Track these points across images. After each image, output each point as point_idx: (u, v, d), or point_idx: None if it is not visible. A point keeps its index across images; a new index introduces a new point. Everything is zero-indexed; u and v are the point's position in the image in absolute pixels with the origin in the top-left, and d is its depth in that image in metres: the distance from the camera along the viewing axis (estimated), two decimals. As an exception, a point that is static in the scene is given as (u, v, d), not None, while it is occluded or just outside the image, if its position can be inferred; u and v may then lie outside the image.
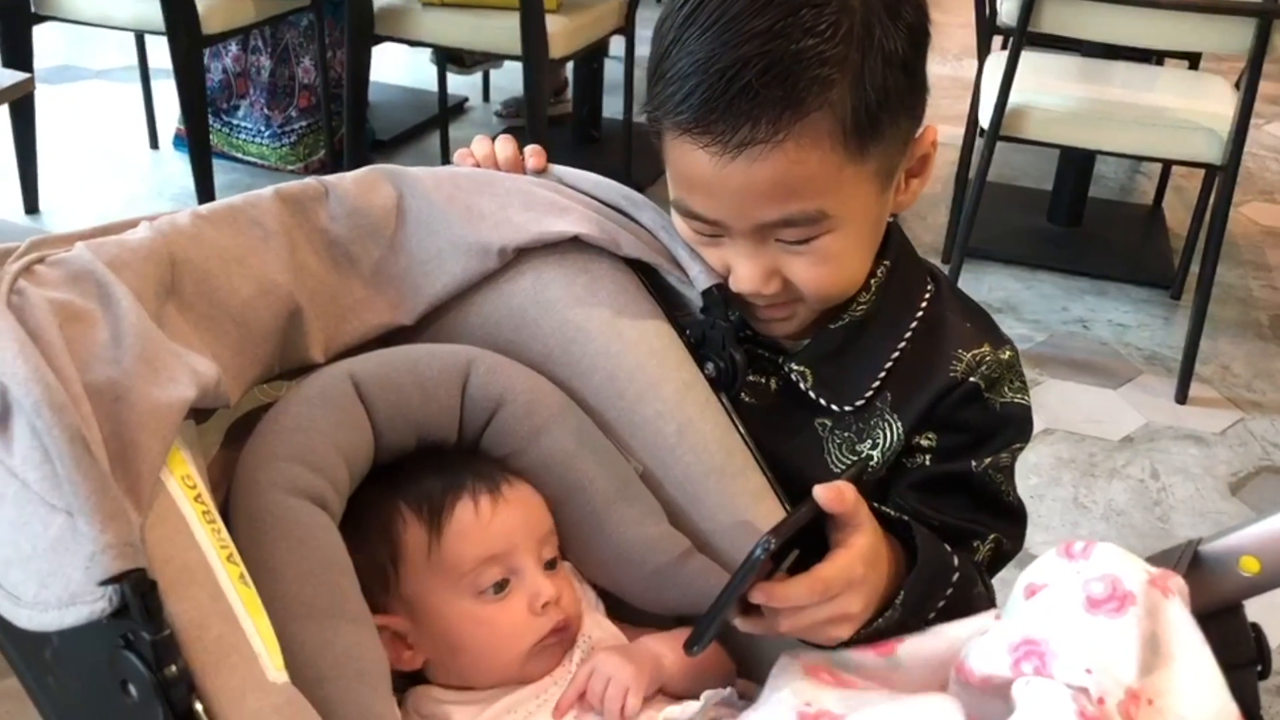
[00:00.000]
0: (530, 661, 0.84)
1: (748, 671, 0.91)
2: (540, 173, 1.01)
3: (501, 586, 0.84)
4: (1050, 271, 2.93)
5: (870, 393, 0.94)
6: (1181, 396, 2.47)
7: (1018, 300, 2.81)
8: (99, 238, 0.82)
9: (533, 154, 1.01)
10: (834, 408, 0.95)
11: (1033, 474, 2.21)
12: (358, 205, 0.94)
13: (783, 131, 0.81)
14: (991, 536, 0.94)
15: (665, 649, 0.86)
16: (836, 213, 0.86)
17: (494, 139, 1.03)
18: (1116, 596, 0.65)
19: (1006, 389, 0.94)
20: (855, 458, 0.95)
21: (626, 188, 0.99)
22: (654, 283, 0.97)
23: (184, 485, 0.72)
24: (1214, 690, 0.65)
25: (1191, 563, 0.74)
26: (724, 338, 0.94)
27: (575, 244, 0.94)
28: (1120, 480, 2.22)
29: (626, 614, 0.91)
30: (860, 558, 0.78)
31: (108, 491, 0.63)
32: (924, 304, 0.96)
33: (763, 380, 0.98)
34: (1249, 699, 0.72)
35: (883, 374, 0.94)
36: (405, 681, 0.87)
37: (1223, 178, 2.40)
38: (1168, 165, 3.17)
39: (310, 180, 0.95)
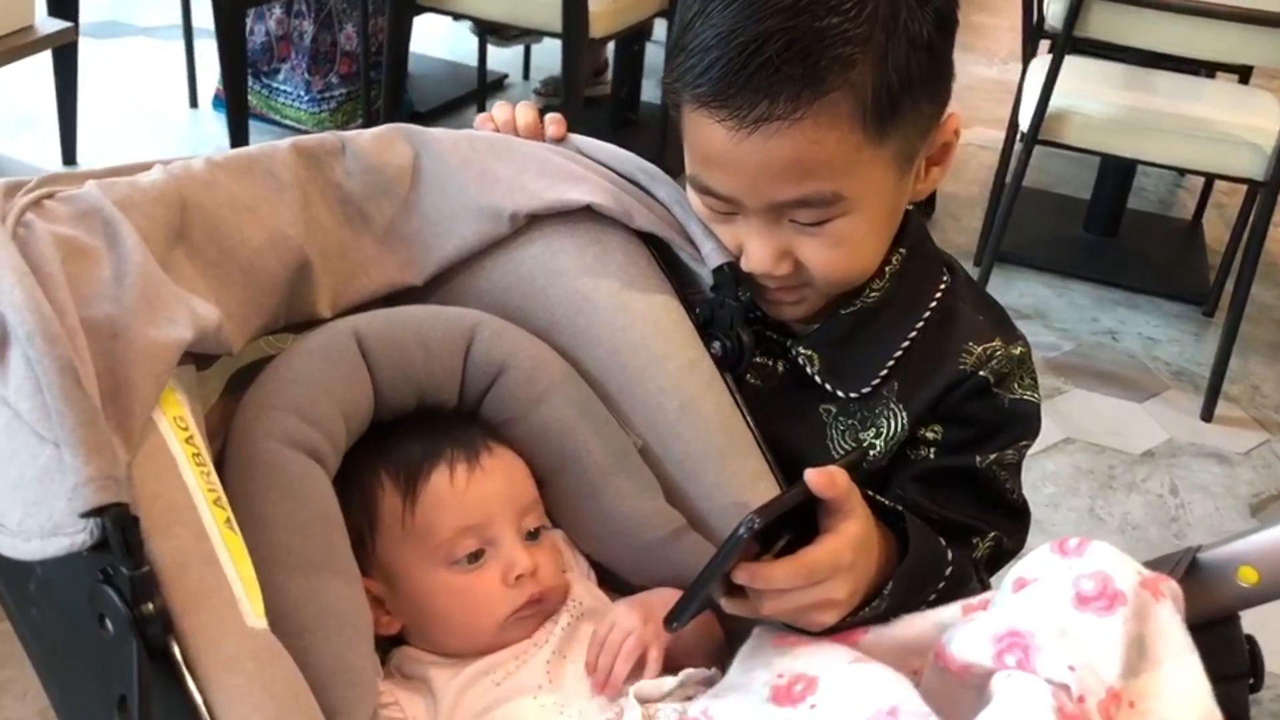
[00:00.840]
0: (504, 632, 0.83)
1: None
2: (559, 141, 1.00)
3: (476, 557, 0.84)
4: (1083, 281, 2.89)
5: (877, 380, 0.92)
6: (1208, 414, 2.44)
7: (1048, 308, 2.78)
8: (111, 178, 0.83)
9: (552, 122, 1.00)
10: (839, 394, 0.93)
11: (1050, 483, 2.19)
12: (373, 163, 0.94)
13: (801, 109, 0.80)
14: (992, 534, 0.92)
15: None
16: (852, 195, 0.85)
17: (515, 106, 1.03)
18: (1106, 595, 0.64)
19: (1016, 385, 0.93)
20: (858, 445, 0.94)
21: (644, 161, 0.99)
22: (666, 258, 0.96)
23: (176, 426, 0.72)
24: (1199, 698, 0.64)
25: (1189, 569, 0.73)
26: (732, 317, 0.93)
27: (588, 214, 0.94)
28: (1139, 494, 2.20)
29: (616, 585, 0.91)
30: (849, 544, 0.77)
31: (94, 424, 0.63)
32: (938, 294, 0.95)
33: (770, 363, 0.97)
34: (1238, 712, 0.71)
35: (891, 362, 0.92)
36: (391, 642, 0.87)
37: (1264, 194, 2.36)
38: (1210, 180, 3.12)
39: (328, 135, 0.95)
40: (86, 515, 0.61)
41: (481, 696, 0.80)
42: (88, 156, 3.00)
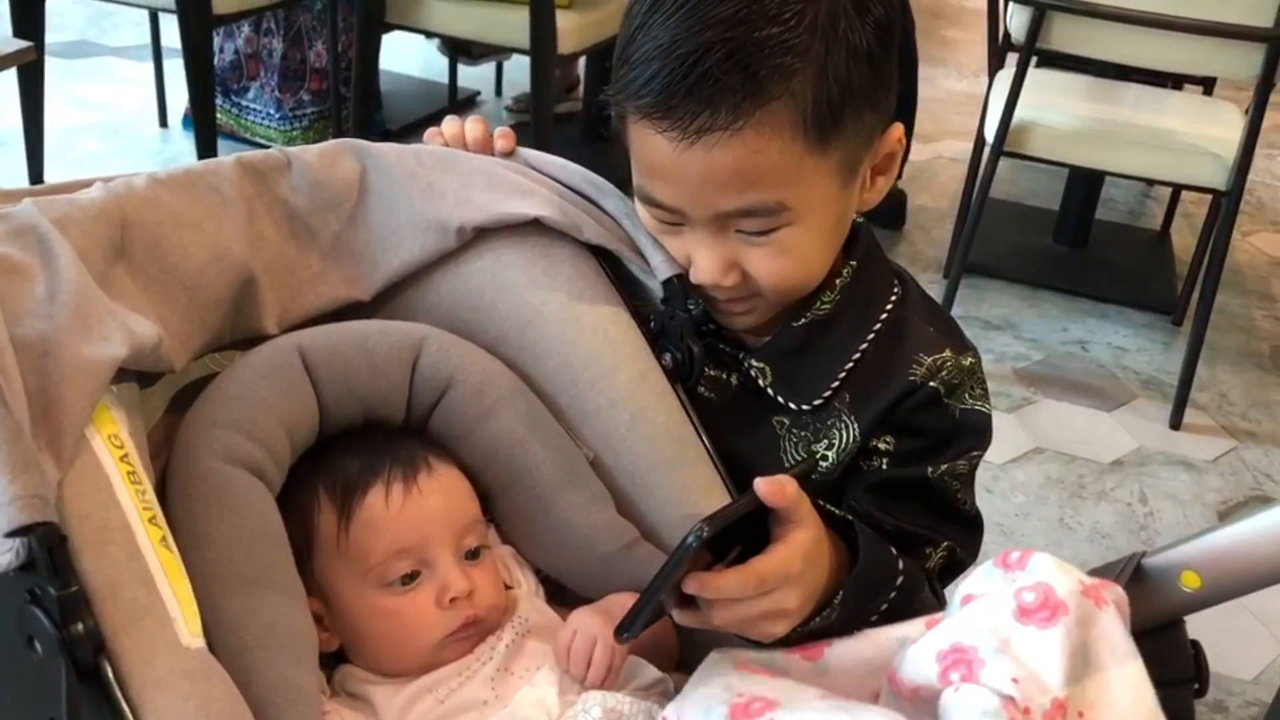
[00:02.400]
0: (438, 653, 0.82)
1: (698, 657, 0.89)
2: (508, 155, 1.00)
3: (411, 578, 0.82)
4: (1052, 291, 2.90)
5: (829, 393, 0.92)
6: (1176, 422, 2.45)
7: (1018, 319, 2.79)
8: (50, 195, 0.82)
9: (501, 136, 1.00)
10: (791, 406, 0.93)
11: (1020, 492, 2.19)
12: (319, 178, 0.94)
13: (742, 119, 0.80)
14: (945, 544, 0.92)
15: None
16: (796, 205, 0.85)
17: (465, 120, 1.03)
18: (1048, 606, 0.64)
19: (967, 395, 0.93)
20: (810, 456, 0.93)
21: (593, 174, 0.98)
22: (615, 271, 0.96)
23: (110, 444, 0.71)
24: (1144, 703, 0.63)
25: (1134, 575, 0.73)
26: (682, 329, 0.93)
27: (536, 227, 0.93)
28: (1108, 503, 2.20)
29: (568, 600, 0.90)
30: (799, 553, 0.76)
31: (19, 443, 0.62)
32: (889, 306, 0.95)
33: (722, 375, 0.97)
34: (1183, 716, 0.71)
35: (842, 374, 0.93)
36: (336, 659, 0.86)
37: (1227, 204, 2.37)
38: (1177, 191, 3.15)
39: (273, 150, 0.95)
40: (12, 535, 0.61)
41: (425, 714, 0.79)
42: (55, 175, 2.98)
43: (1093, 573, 0.75)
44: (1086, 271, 3.01)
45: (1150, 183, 3.01)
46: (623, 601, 0.83)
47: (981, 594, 0.69)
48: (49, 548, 0.61)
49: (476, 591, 0.83)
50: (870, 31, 0.82)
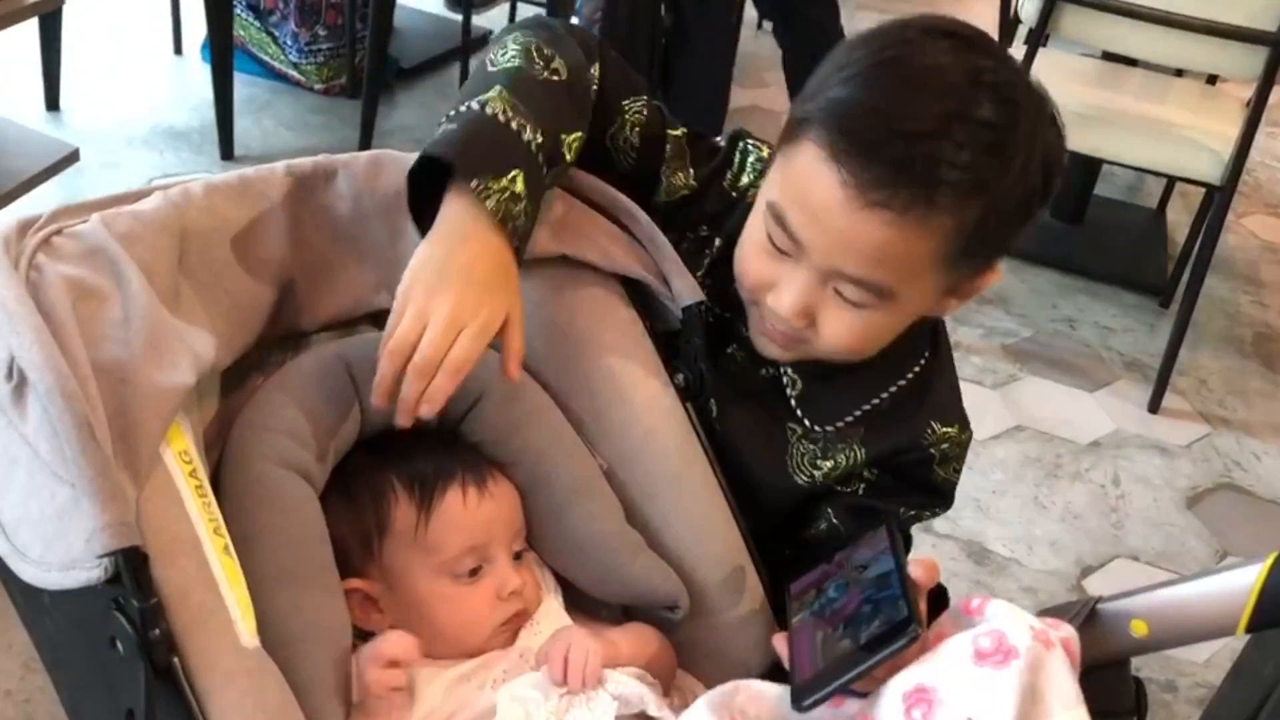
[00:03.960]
0: (491, 640, 0.92)
1: (692, 666, 0.98)
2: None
3: (475, 572, 0.92)
4: (1046, 267, 2.96)
5: (843, 424, 1.02)
6: (1154, 406, 2.53)
7: (1011, 293, 2.85)
8: (114, 208, 0.88)
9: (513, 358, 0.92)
10: (806, 423, 1.02)
11: (998, 469, 2.28)
12: (363, 188, 1.00)
13: (913, 213, 0.84)
14: None
15: (622, 637, 0.94)
16: (900, 297, 0.91)
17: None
18: (1001, 650, 0.72)
19: (952, 469, 1.05)
20: (815, 471, 1.03)
21: (624, 198, 1.04)
22: (636, 289, 1.03)
23: (180, 460, 0.78)
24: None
25: (1088, 618, 0.82)
26: (696, 353, 1.00)
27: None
28: (1082, 484, 2.29)
29: (576, 599, 0.99)
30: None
31: (108, 475, 0.70)
32: (917, 367, 1.03)
33: (753, 365, 1.03)
34: (1123, 746, 0.80)
35: (859, 412, 1.02)
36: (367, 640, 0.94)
37: (1220, 198, 2.43)
38: (1173, 174, 3.19)
39: (321, 158, 1.01)
40: (102, 556, 0.69)
41: (465, 699, 0.88)
42: (71, 102, 3.01)
43: (1050, 611, 0.84)
44: (1081, 248, 3.07)
45: (1144, 171, 3.05)
46: (612, 636, 0.93)
47: (946, 635, 0.78)
48: (134, 567, 0.69)
49: (526, 588, 0.93)
50: (1038, 199, 0.89)
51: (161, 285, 0.84)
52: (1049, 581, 2.03)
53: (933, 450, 1.03)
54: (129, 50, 3.39)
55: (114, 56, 3.33)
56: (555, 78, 0.95)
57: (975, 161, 0.84)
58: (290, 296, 0.97)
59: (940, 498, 1.06)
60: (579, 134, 0.97)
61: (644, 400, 0.99)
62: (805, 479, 1.04)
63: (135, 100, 3.12)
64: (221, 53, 2.83)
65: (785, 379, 1.02)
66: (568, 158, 0.96)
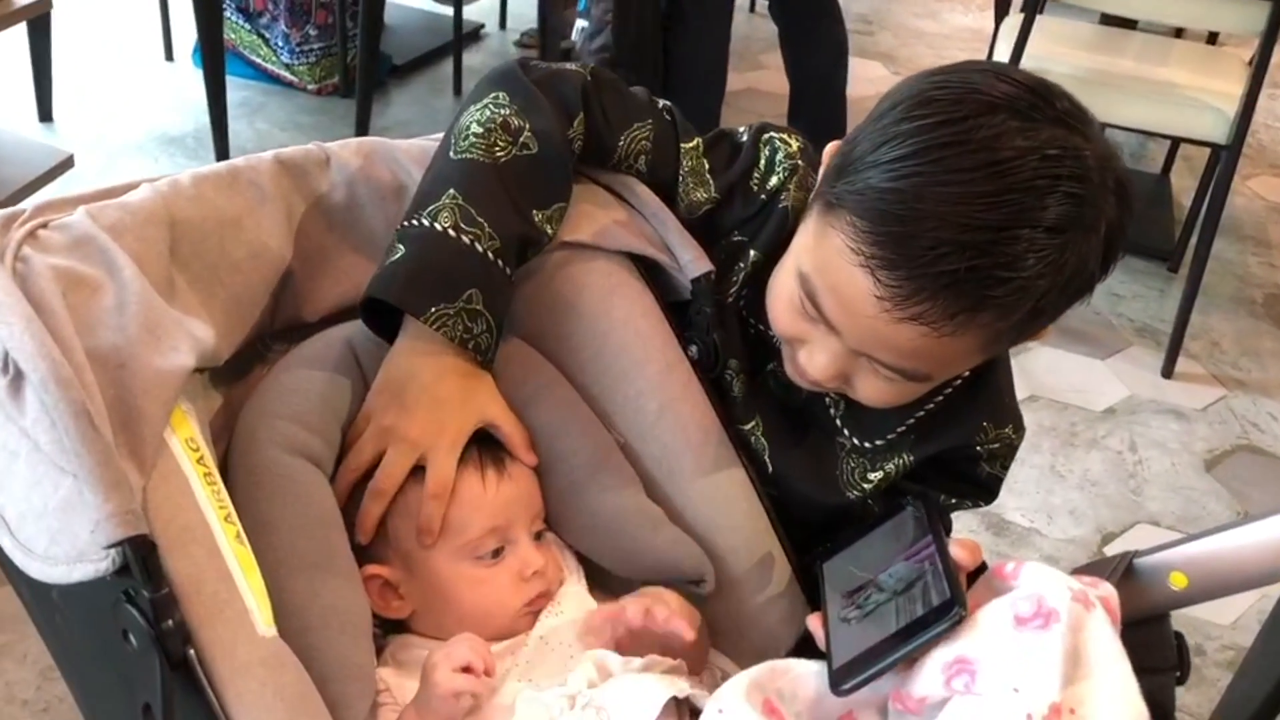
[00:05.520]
0: (515, 622, 0.90)
1: (720, 642, 0.96)
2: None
3: (497, 553, 0.90)
4: (1051, 236, 2.94)
5: (893, 435, 0.98)
6: (1168, 370, 2.51)
7: (1016, 264, 2.83)
8: (101, 200, 0.86)
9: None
10: (855, 441, 0.99)
11: (1014, 440, 2.26)
12: (357, 175, 0.98)
13: (951, 324, 0.78)
14: None
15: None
16: (939, 376, 0.88)
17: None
18: (1042, 614, 0.70)
19: (1000, 465, 1.00)
20: (865, 485, 0.99)
21: (624, 175, 1.01)
22: (645, 262, 1.01)
23: (187, 448, 0.76)
24: (1129, 700, 0.70)
25: (1125, 573, 0.80)
26: (708, 323, 0.98)
27: (570, 226, 0.98)
28: (1099, 451, 2.27)
29: (599, 579, 0.97)
30: None
31: (110, 462, 0.68)
32: (967, 371, 0.95)
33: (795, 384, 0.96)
34: (1165, 703, 0.78)
35: (912, 420, 0.97)
36: (386, 629, 0.92)
37: (1226, 157, 2.41)
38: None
39: (311, 146, 0.99)
40: (109, 547, 0.67)
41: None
42: (64, 112, 2.99)
43: (1086, 569, 0.81)
44: (1086, 216, 3.04)
45: (1148, 134, 3.03)
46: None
47: (981, 603, 0.75)
48: (142, 556, 0.67)
49: (548, 568, 0.91)
50: (1100, 275, 0.81)
51: (154, 276, 0.82)
52: (1070, 550, 2.01)
53: (980, 449, 0.98)
54: (120, 59, 3.37)
55: (105, 66, 3.32)
56: (524, 153, 0.91)
57: (1031, 272, 0.75)
58: (289, 287, 0.95)
59: (984, 492, 1.01)
60: (559, 204, 0.94)
61: (658, 373, 0.97)
62: (857, 494, 0.99)
63: (128, 108, 3.10)
64: (213, 57, 2.81)
65: (828, 399, 0.98)
66: (549, 232, 0.93)
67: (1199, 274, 2.49)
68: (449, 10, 3.52)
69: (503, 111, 0.93)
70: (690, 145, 1.00)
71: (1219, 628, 1.88)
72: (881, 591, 0.81)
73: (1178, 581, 0.78)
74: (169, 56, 3.37)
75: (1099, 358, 2.55)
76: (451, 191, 0.89)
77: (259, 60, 3.28)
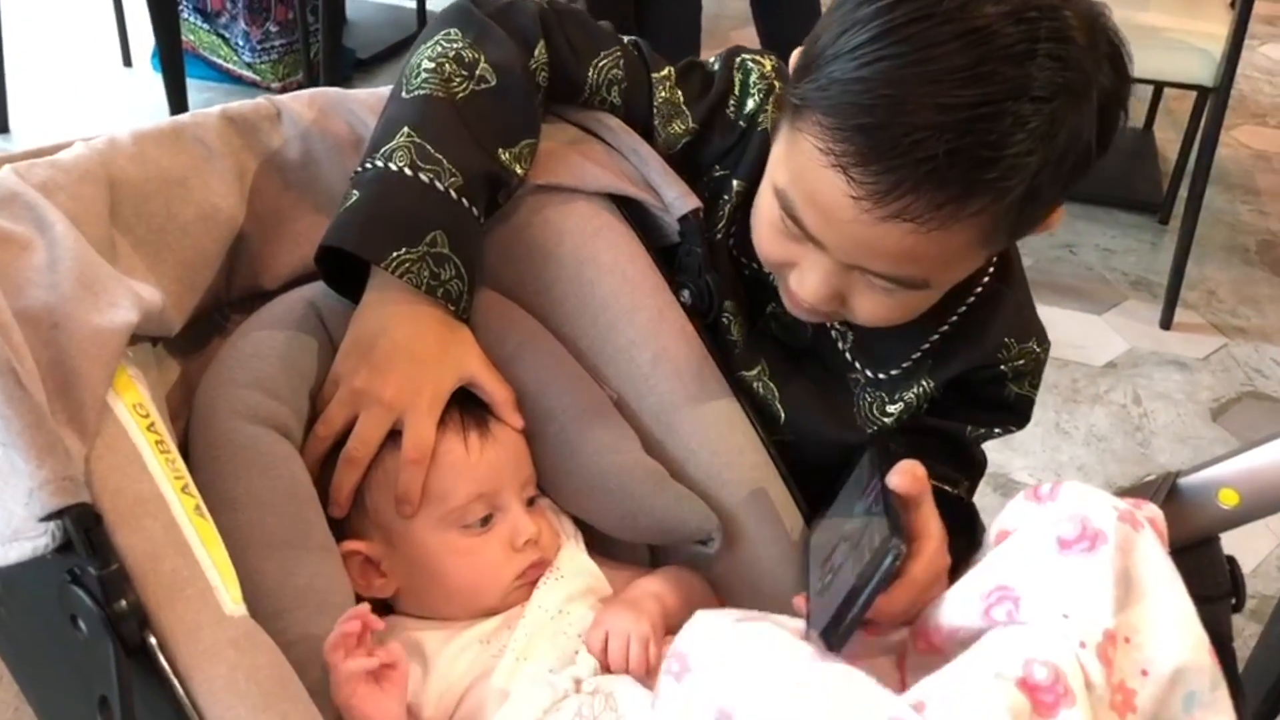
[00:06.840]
0: (508, 596, 0.83)
1: (732, 603, 0.89)
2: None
3: (486, 521, 0.83)
4: (1038, 195, 2.89)
5: (909, 363, 0.91)
6: (1166, 322, 2.46)
7: (1005, 224, 2.78)
8: (28, 160, 0.79)
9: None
10: (868, 373, 0.92)
11: (1015, 400, 2.20)
12: (311, 129, 0.92)
13: (938, 217, 0.71)
14: (965, 485, 0.96)
15: (662, 588, 0.85)
16: (938, 282, 0.81)
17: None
18: (1087, 536, 0.63)
19: (1027, 384, 0.94)
20: (885, 419, 0.92)
21: (599, 111, 0.95)
22: (629, 205, 0.94)
23: (135, 414, 0.69)
24: (1186, 624, 0.64)
25: (1170, 494, 0.73)
26: (700, 264, 0.91)
27: (546, 169, 0.91)
28: (1102, 406, 2.21)
29: (599, 543, 0.90)
30: (942, 546, 0.77)
31: (41, 425, 0.61)
32: (985, 279, 0.89)
33: (797, 322, 0.91)
34: (1222, 631, 0.72)
35: (926, 345, 0.90)
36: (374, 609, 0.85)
37: (1214, 100, 2.36)
38: (1159, 87, 3.12)
39: (260, 100, 0.92)
40: (46, 519, 0.59)
41: (474, 662, 0.79)
42: (21, 126, 2.91)
43: (1127, 492, 0.75)
44: (1071, 173, 2.99)
45: (1135, 81, 2.98)
46: (652, 590, 0.83)
47: (1014, 528, 0.69)
48: (85, 528, 0.60)
49: (541, 536, 0.84)
50: (1100, 145, 0.73)
51: (92, 237, 0.75)
52: (1081, 507, 1.95)
53: (1005, 368, 0.91)
54: (76, 67, 3.28)
55: (62, 74, 3.23)
56: (482, 87, 0.85)
57: (1020, 149, 0.69)
58: (245, 252, 0.89)
59: (1015, 414, 0.94)
60: (527, 141, 0.87)
61: (649, 321, 0.90)
62: (875, 429, 0.93)
63: (88, 116, 3.02)
64: (172, 60, 2.73)
65: (834, 332, 0.91)
66: (519, 171, 0.87)
67: (1192, 223, 2.44)
68: (412, 3, 3.45)
69: (454, 45, 0.86)
70: (662, 74, 0.94)
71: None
72: (844, 548, 0.76)
73: (1228, 499, 0.71)
74: (127, 62, 3.28)
75: (1096, 313, 2.49)
76: (406, 130, 0.82)
77: (220, 61, 3.20)
